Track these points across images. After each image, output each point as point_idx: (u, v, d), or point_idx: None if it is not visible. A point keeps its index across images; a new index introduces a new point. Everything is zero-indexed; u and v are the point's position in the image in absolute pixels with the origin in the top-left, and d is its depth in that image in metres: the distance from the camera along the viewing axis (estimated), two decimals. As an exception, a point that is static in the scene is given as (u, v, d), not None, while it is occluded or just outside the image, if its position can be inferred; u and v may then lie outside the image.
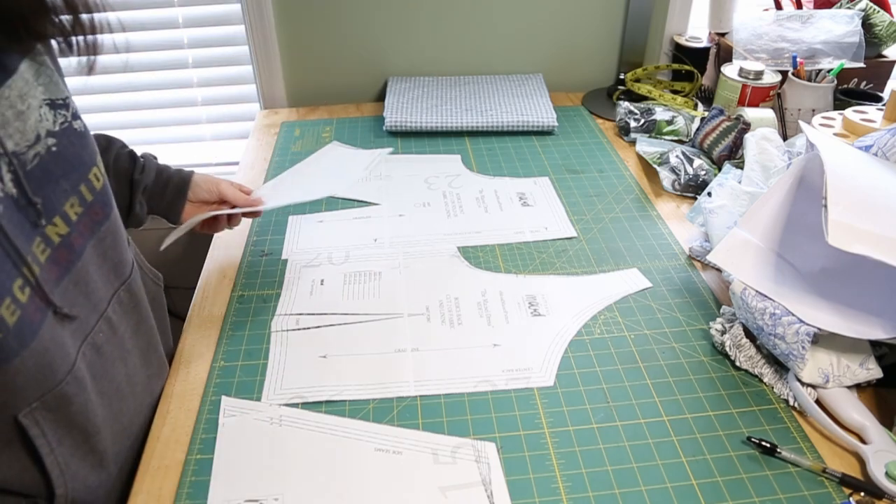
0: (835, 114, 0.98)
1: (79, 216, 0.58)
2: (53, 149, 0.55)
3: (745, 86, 1.12)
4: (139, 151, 0.84)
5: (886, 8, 1.20)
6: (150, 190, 0.82)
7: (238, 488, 0.61)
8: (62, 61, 0.59)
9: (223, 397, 0.71)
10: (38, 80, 0.55)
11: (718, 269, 0.87)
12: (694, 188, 1.05)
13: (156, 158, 0.86)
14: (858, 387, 0.70)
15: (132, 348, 0.66)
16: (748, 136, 0.96)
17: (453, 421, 0.68)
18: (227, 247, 0.95)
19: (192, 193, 0.85)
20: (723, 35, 1.31)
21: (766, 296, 0.72)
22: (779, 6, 1.27)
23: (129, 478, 0.65)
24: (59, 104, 0.57)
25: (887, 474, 0.60)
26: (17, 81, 0.53)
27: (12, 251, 0.50)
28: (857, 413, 0.66)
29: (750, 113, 1.06)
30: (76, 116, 0.59)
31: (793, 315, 0.69)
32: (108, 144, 0.80)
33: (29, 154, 0.53)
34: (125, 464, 0.66)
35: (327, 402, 0.70)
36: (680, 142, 1.17)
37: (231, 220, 0.88)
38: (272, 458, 0.64)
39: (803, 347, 0.67)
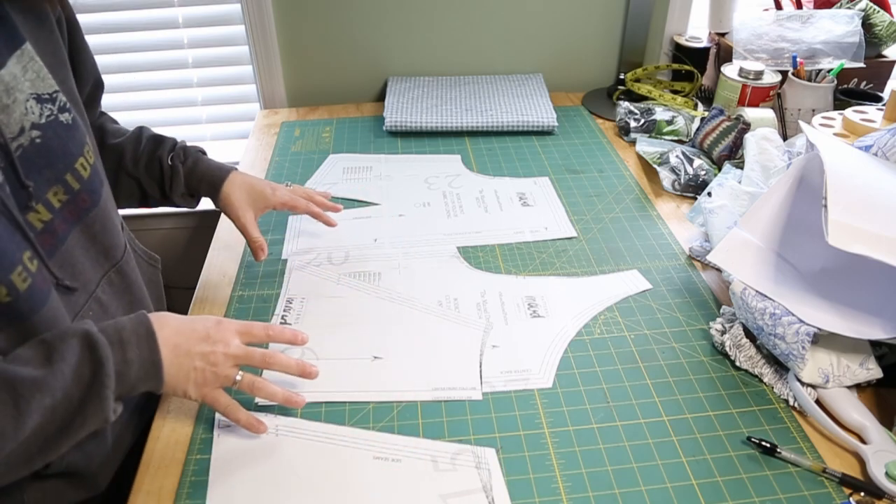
0: (835, 114, 0.98)
1: (63, 203, 0.60)
2: (38, 140, 0.57)
3: (745, 86, 1.12)
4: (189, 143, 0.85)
5: (886, 8, 1.20)
6: (184, 181, 0.84)
7: (236, 499, 0.60)
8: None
9: (223, 397, 0.70)
10: (26, 76, 0.57)
11: (718, 269, 0.87)
12: (694, 188, 1.05)
13: (203, 153, 0.87)
14: (858, 387, 0.70)
15: None
16: (748, 136, 0.96)
17: (453, 421, 0.68)
18: (226, 247, 0.95)
19: (230, 195, 0.84)
20: (723, 35, 1.31)
21: (766, 296, 0.72)
22: (779, 6, 1.27)
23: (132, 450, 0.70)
24: (46, 98, 0.59)
25: (887, 474, 0.60)
26: (3, 76, 0.55)
27: (19, 225, 0.54)
28: (857, 413, 0.66)
29: (750, 113, 1.06)
30: (64, 109, 0.61)
31: (793, 315, 0.69)
32: (139, 134, 0.85)
33: (13, 145, 0.55)
34: (127, 433, 0.72)
35: (326, 403, 0.70)
36: (680, 142, 1.17)
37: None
38: (270, 468, 0.63)
39: (803, 347, 0.67)
